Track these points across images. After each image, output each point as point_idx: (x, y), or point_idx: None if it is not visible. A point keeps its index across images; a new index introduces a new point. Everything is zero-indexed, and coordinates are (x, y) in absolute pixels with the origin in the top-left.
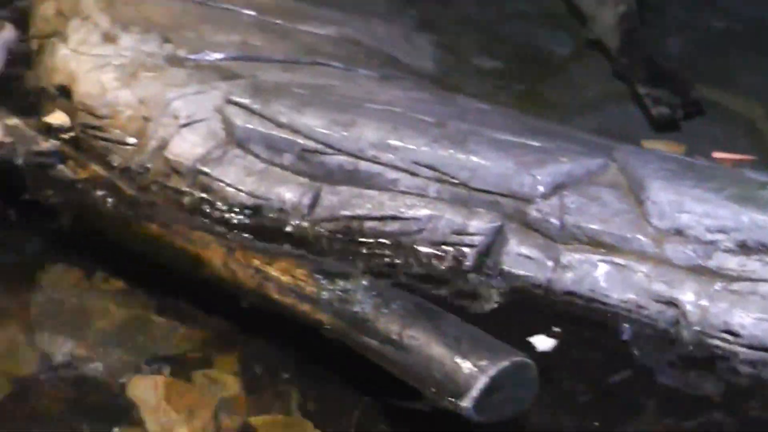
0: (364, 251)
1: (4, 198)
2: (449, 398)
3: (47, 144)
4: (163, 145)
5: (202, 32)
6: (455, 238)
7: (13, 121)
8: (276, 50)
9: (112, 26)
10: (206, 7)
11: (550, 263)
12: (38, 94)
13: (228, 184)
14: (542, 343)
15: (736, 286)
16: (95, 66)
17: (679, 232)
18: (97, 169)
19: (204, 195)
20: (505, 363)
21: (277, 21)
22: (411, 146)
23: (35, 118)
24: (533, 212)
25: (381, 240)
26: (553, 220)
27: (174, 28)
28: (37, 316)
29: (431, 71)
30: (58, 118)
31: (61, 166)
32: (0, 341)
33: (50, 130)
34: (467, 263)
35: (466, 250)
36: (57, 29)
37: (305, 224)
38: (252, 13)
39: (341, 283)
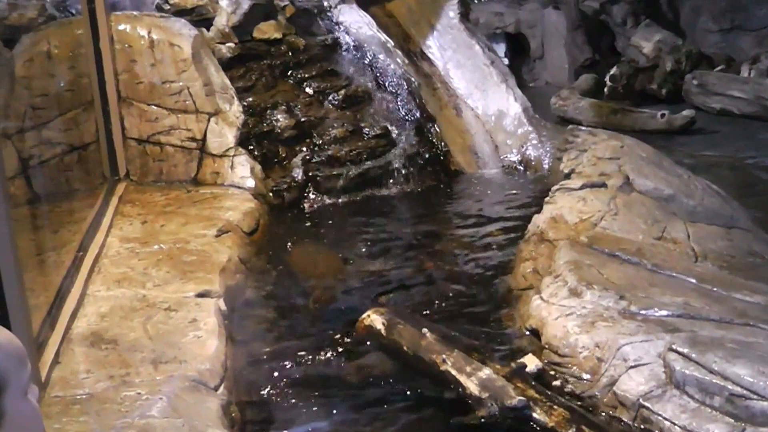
0: None
1: None
2: None
3: (516, 400)
4: (612, 382)
5: (651, 293)
6: None
7: (485, 372)
8: (712, 311)
9: (578, 284)
10: (655, 274)
11: None
12: (512, 335)
13: (665, 419)
14: None
15: None
16: (562, 314)
17: None
18: (563, 413)
19: (645, 426)
20: None
21: (714, 288)
22: None
23: (507, 363)
24: None
25: None
26: None
27: (628, 288)
28: None
29: None
30: (531, 361)
31: (534, 415)
32: None
33: (520, 372)
34: None
35: None
36: (532, 284)
37: None
38: (692, 280)
39: None
